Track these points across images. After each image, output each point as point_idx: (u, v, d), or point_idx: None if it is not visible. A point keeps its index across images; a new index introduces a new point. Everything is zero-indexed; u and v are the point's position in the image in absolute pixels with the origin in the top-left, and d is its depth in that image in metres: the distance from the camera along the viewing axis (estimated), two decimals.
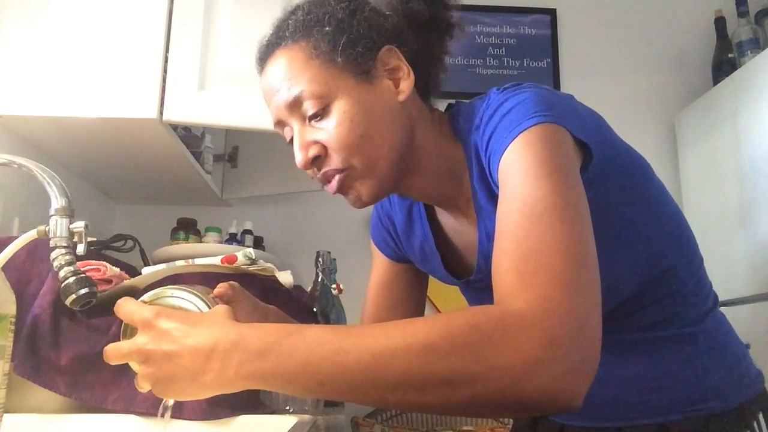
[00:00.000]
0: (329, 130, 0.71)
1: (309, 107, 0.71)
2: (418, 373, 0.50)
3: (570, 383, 0.50)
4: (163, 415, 0.74)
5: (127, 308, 0.62)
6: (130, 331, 0.63)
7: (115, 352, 0.61)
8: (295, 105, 0.72)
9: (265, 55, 0.76)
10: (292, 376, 0.53)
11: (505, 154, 0.64)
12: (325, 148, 0.72)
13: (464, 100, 0.83)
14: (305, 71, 0.71)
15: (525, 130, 0.63)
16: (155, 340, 0.57)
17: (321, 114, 0.72)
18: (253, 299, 0.81)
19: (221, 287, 0.75)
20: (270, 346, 0.54)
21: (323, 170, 0.74)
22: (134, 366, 0.61)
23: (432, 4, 0.79)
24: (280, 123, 0.76)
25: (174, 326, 0.58)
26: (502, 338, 0.50)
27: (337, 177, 0.73)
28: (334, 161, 0.73)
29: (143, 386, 0.60)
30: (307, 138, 0.73)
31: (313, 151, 0.73)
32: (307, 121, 0.73)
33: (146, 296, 0.66)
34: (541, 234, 0.56)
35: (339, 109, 0.71)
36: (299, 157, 0.73)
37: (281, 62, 0.73)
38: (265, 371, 0.54)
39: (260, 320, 0.79)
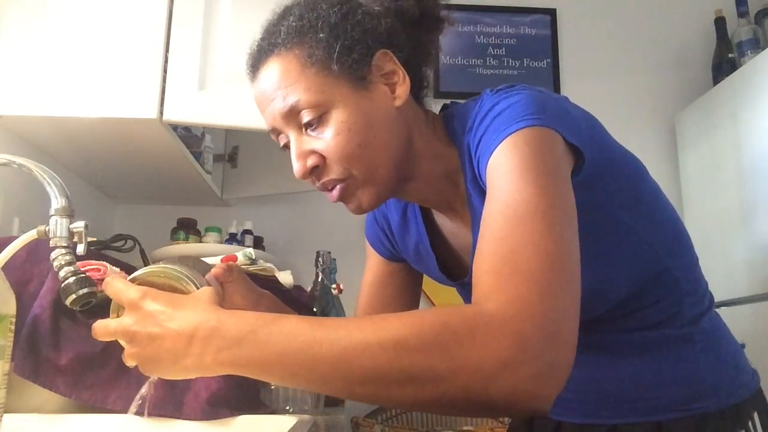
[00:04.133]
0: (327, 140, 0.71)
1: (305, 116, 0.71)
2: (387, 369, 0.51)
3: (538, 386, 0.50)
4: (138, 413, 0.75)
5: (115, 287, 0.63)
6: (119, 308, 0.64)
7: (102, 329, 0.62)
8: (291, 115, 0.71)
9: (257, 62, 0.75)
10: (267, 365, 0.55)
11: (492, 156, 0.64)
12: (323, 158, 0.72)
13: (461, 101, 0.82)
14: (301, 80, 0.70)
15: (513, 133, 0.63)
16: (140, 322, 0.59)
17: (318, 123, 0.71)
18: (250, 282, 0.81)
19: (218, 268, 0.76)
20: (246, 334, 0.55)
21: (322, 180, 0.74)
22: (122, 342, 0.62)
23: (420, 3, 0.78)
24: (275, 131, 0.75)
25: (158, 309, 0.59)
26: (471, 338, 0.50)
27: (338, 187, 0.73)
28: (334, 171, 0.72)
29: (130, 363, 0.62)
30: (304, 147, 0.72)
31: (311, 161, 0.72)
32: (303, 130, 0.72)
33: (137, 273, 0.66)
34: (520, 236, 0.56)
35: (336, 118, 0.70)
36: (297, 167, 0.73)
37: (275, 70, 0.72)
38: (241, 359, 0.55)
39: (254, 303, 0.80)
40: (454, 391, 0.50)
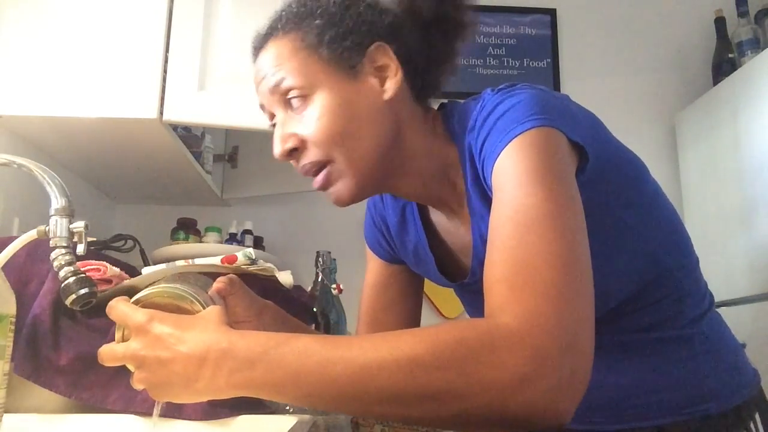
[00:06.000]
0: (308, 123, 0.71)
1: (290, 96, 0.72)
2: (404, 388, 0.50)
3: (558, 400, 0.50)
4: (163, 415, 0.75)
5: (119, 311, 0.62)
6: (125, 329, 0.63)
7: (109, 354, 0.61)
8: (276, 92, 0.73)
9: (258, 44, 0.77)
10: (281, 387, 0.54)
11: (498, 159, 0.63)
12: (303, 141, 0.72)
13: (459, 100, 0.82)
14: (290, 61, 0.72)
15: (519, 134, 0.62)
16: (149, 346, 0.58)
17: (301, 105, 0.72)
18: (251, 293, 0.81)
19: (220, 282, 0.75)
20: (259, 356, 0.54)
21: (301, 163, 0.74)
22: (130, 366, 0.61)
23: (439, 3, 0.77)
24: (263, 108, 0.77)
25: (167, 332, 0.58)
26: (488, 353, 0.50)
27: (322, 173, 0.73)
28: (312, 154, 0.72)
29: (138, 387, 0.61)
30: (286, 130, 0.73)
31: (289, 144, 0.73)
32: (289, 110, 0.73)
33: (140, 294, 0.65)
34: (532, 244, 0.55)
35: (319, 102, 0.71)
36: (276, 149, 0.73)
37: (270, 52, 0.74)
38: (255, 381, 0.54)
39: (257, 314, 0.79)
40: (473, 408, 0.50)
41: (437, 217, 0.85)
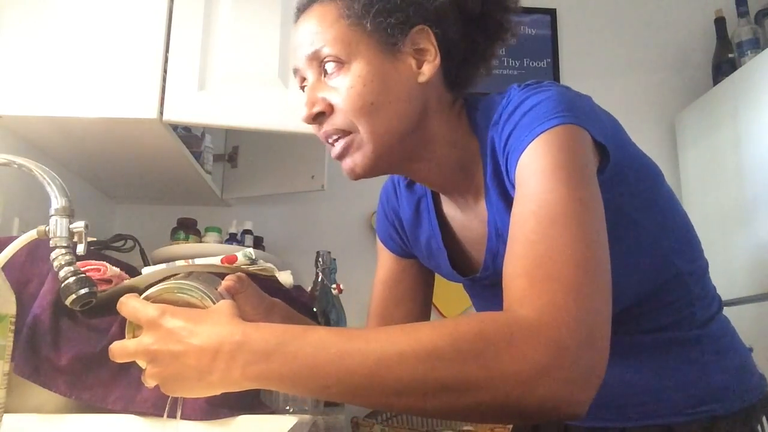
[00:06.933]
0: (341, 90, 0.71)
1: (327, 63, 0.72)
2: (423, 379, 0.50)
3: (575, 392, 0.50)
4: (171, 415, 0.74)
5: (131, 306, 0.62)
6: (136, 328, 0.63)
7: (121, 350, 0.61)
8: (314, 59, 0.73)
9: (302, 6, 0.77)
10: (297, 379, 0.54)
11: (523, 154, 0.63)
12: (331, 106, 0.72)
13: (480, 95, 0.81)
14: (332, 28, 0.72)
15: (545, 130, 0.62)
16: (161, 340, 0.58)
17: (337, 72, 0.72)
18: (260, 291, 0.81)
19: (229, 280, 0.75)
20: (275, 348, 0.54)
21: (325, 128, 0.73)
22: (141, 363, 0.61)
23: (485, 2, 0.78)
24: (297, 71, 0.76)
25: (179, 325, 0.58)
26: (507, 345, 0.50)
27: (341, 141, 0.73)
28: (337, 120, 0.72)
29: (150, 383, 0.60)
30: (317, 94, 0.73)
31: (317, 107, 0.73)
32: (322, 76, 0.73)
33: (150, 291, 0.65)
34: (553, 239, 0.55)
35: (355, 71, 0.71)
36: (304, 111, 0.73)
37: (313, 15, 0.74)
38: (271, 373, 0.54)
39: (266, 312, 0.79)
40: (490, 400, 0.50)
41: (451, 210, 0.85)
